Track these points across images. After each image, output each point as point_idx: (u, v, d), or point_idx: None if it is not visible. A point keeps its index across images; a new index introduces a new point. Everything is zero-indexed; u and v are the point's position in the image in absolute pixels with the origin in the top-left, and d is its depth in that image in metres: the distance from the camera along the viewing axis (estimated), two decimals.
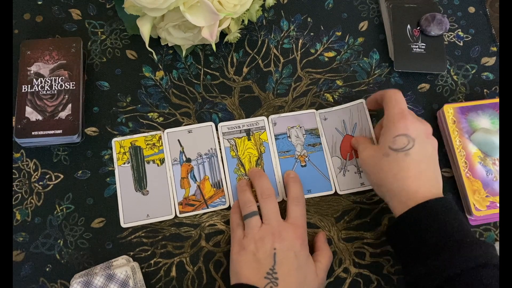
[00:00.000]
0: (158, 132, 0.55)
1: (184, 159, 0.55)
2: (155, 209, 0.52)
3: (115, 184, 0.53)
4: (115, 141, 0.55)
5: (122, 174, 0.54)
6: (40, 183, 0.53)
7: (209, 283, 0.50)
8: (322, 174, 0.55)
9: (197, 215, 0.53)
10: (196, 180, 0.54)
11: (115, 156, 0.54)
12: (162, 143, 0.55)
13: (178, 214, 0.52)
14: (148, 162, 0.54)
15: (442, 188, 0.46)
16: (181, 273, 0.51)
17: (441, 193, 0.46)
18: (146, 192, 0.53)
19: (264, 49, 0.61)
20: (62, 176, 0.54)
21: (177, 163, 0.54)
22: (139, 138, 0.55)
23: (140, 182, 0.53)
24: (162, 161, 0.54)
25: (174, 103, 0.57)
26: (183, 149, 0.55)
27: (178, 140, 0.55)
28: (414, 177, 0.45)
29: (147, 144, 0.55)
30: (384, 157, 0.46)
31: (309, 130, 0.57)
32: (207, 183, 0.54)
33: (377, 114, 0.58)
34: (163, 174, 0.54)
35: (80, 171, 0.54)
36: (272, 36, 0.62)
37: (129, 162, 0.54)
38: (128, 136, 0.55)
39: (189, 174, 0.54)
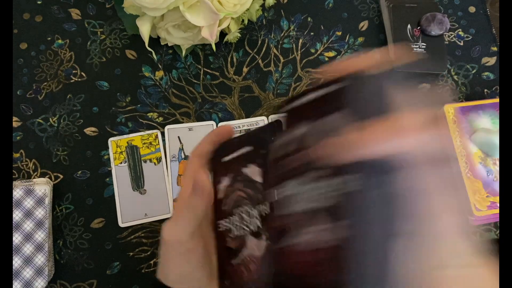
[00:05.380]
0: (155, 130, 0.55)
1: (183, 156, 0.55)
2: (153, 208, 0.52)
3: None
4: (112, 141, 0.55)
5: (119, 174, 0.54)
6: None
7: None
8: None
9: None
10: None
11: (111, 155, 0.54)
12: (158, 142, 0.55)
13: (172, 211, 0.52)
14: (145, 161, 0.54)
15: None
16: None
17: None
18: (144, 191, 0.53)
19: (264, 49, 0.61)
20: (61, 176, 0.54)
21: (175, 160, 0.54)
22: (136, 138, 0.55)
23: (137, 181, 0.53)
24: (159, 160, 0.54)
25: (174, 103, 0.57)
26: (182, 146, 0.55)
27: (178, 137, 0.55)
28: None
29: (144, 143, 0.55)
30: None
31: None
32: None
33: None
34: (160, 173, 0.54)
35: (80, 171, 0.54)
36: (272, 36, 0.62)
37: (126, 162, 0.54)
38: (125, 136, 0.55)
39: None
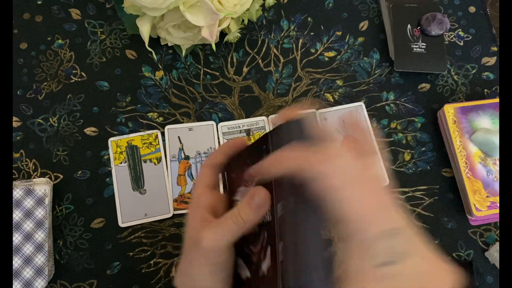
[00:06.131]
0: (155, 130, 0.55)
1: (183, 156, 0.55)
2: (153, 208, 0.52)
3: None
4: (112, 141, 0.55)
5: (119, 174, 0.53)
6: None
7: None
8: None
9: None
10: (193, 178, 0.54)
11: (111, 155, 0.54)
12: (158, 142, 0.55)
13: (172, 211, 0.52)
14: (145, 161, 0.54)
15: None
16: None
17: None
18: (144, 191, 0.53)
19: (264, 49, 0.61)
20: (61, 176, 0.54)
21: (175, 160, 0.54)
22: (136, 138, 0.55)
23: (137, 181, 0.53)
24: (159, 160, 0.54)
25: (174, 103, 0.57)
26: (182, 146, 0.55)
27: (179, 137, 0.55)
28: None
29: (144, 143, 0.55)
30: None
31: None
32: None
33: (377, 114, 0.58)
34: (160, 173, 0.54)
35: (80, 171, 0.54)
36: (272, 36, 0.62)
37: (126, 162, 0.54)
38: (125, 136, 0.55)
39: (187, 172, 0.54)
